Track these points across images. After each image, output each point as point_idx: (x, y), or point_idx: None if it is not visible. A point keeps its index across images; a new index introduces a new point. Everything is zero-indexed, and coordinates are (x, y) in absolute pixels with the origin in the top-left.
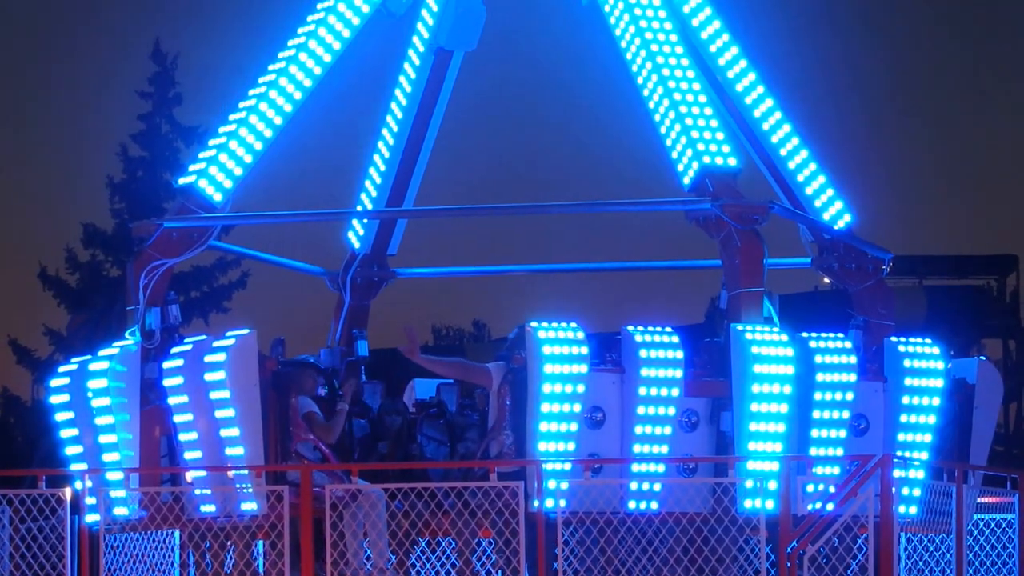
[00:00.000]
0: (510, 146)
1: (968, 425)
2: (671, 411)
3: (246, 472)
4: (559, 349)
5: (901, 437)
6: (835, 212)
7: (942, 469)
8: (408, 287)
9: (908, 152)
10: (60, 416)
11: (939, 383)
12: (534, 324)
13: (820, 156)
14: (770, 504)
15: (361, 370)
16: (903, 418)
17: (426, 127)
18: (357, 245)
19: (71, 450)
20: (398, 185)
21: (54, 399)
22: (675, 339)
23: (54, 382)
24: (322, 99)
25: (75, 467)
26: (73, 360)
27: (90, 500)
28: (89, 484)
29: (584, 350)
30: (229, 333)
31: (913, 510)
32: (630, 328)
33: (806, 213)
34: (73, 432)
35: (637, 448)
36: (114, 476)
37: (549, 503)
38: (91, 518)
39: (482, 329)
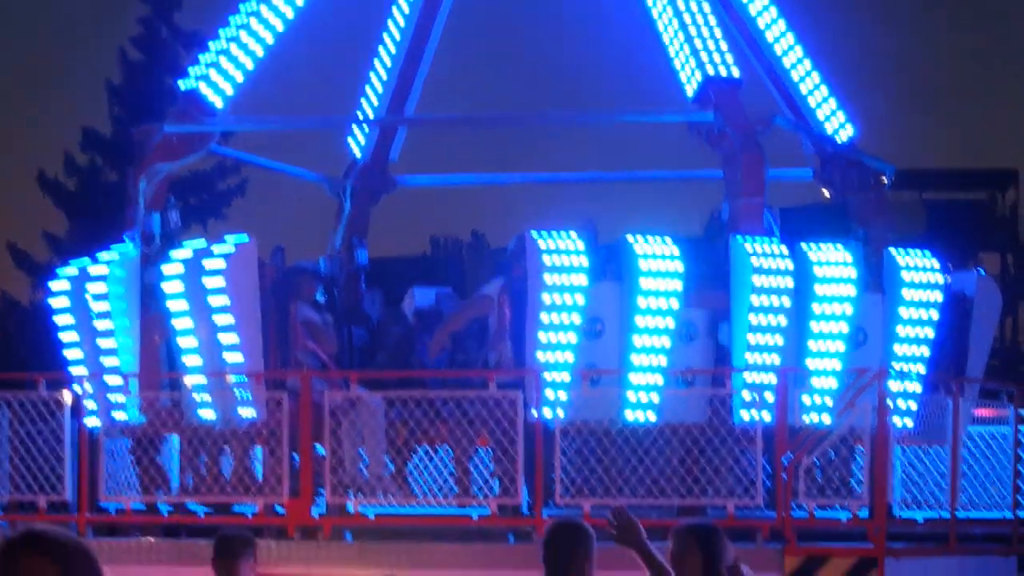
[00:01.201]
0: (513, 55)
1: (965, 338)
2: (670, 322)
3: (245, 379)
4: (559, 259)
5: (898, 350)
6: (837, 124)
7: (938, 382)
8: (407, 196)
9: (911, 66)
10: (60, 320)
11: (937, 296)
12: (534, 234)
13: (823, 67)
14: (767, 416)
15: (361, 278)
16: (900, 331)
17: (428, 33)
18: (358, 152)
19: (71, 354)
20: (399, 92)
21: (54, 302)
22: (675, 250)
23: (53, 285)
24: (324, 5)
25: (75, 371)
26: (72, 264)
27: (90, 404)
28: (89, 389)
29: (584, 260)
30: (229, 239)
31: (909, 423)
32: (630, 238)
33: (808, 125)
34: (73, 336)
35: (635, 359)
36: (113, 380)
37: (547, 413)
38: (91, 422)
39: (480, 240)
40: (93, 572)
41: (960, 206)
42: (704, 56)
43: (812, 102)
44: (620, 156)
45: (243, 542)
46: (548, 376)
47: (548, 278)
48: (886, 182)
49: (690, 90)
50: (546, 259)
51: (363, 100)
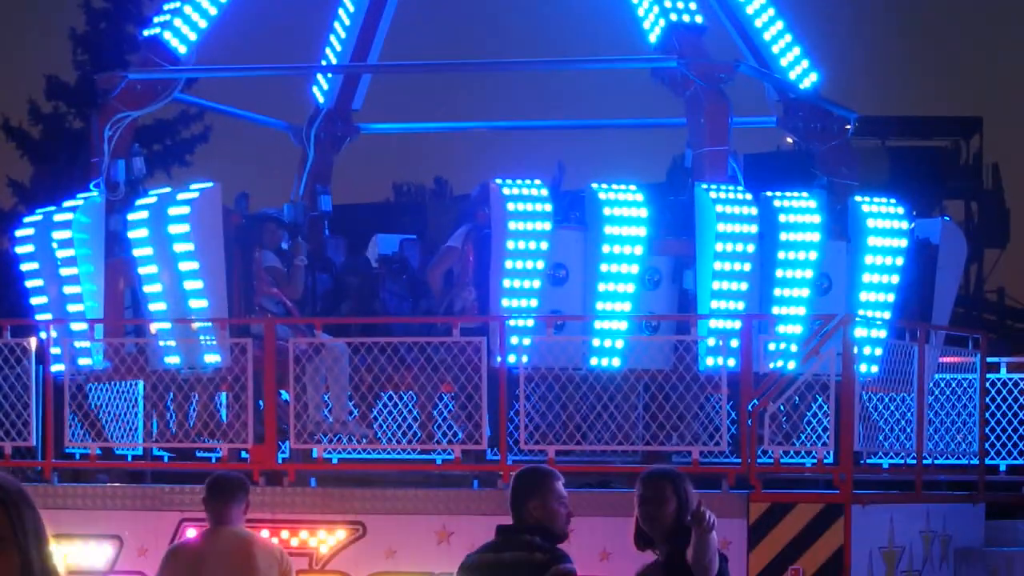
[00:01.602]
0: (474, 1)
1: (931, 285)
2: (634, 269)
3: (210, 324)
4: (523, 206)
5: (863, 297)
6: (801, 71)
7: (904, 329)
8: (370, 143)
9: (875, 11)
10: (25, 267)
11: (902, 243)
12: (498, 181)
13: (787, 14)
14: (732, 362)
15: (324, 225)
16: (866, 277)
17: None
18: (321, 99)
19: (36, 300)
20: (363, 39)
21: (19, 249)
22: (639, 196)
23: (19, 232)
24: None
25: (40, 317)
26: (38, 211)
27: (55, 350)
28: (54, 335)
29: (548, 207)
30: (193, 186)
31: (875, 369)
32: (594, 185)
33: (772, 72)
34: (38, 283)
35: (600, 305)
36: (78, 327)
37: (511, 359)
38: (56, 368)
39: (444, 186)
40: (35, 513)
41: (924, 153)
42: (668, 3)
43: (776, 49)
44: (584, 104)
45: (237, 484)
46: (512, 322)
47: (512, 225)
48: (850, 128)
49: (653, 37)
50: (509, 206)
51: (327, 49)
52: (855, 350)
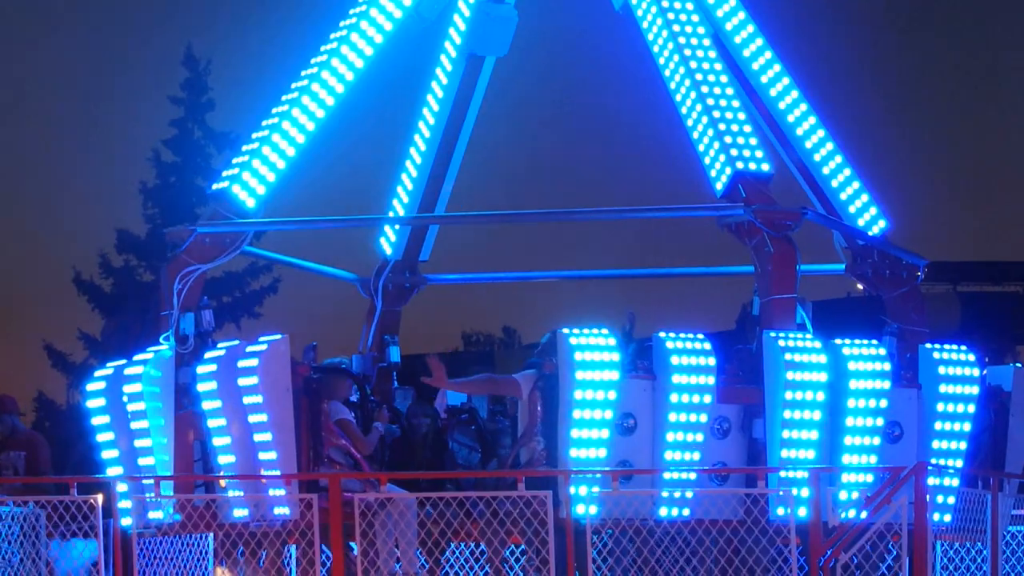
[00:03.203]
0: (540, 151)
1: (1004, 433)
2: (703, 418)
3: (279, 476)
4: (591, 355)
5: (936, 444)
6: (869, 218)
7: (977, 476)
8: (437, 293)
9: (943, 156)
10: (96, 420)
11: (974, 390)
12: (565, 330)
13: (854, 161)
14: (802, 512)
15: (393, 376)
16: (937, 425)
17: (458, 132)
18: (389, 251)
19: (107, 454)
20: (430, 191)
21: (90, 403)
22: (707, 345)
23: (90, 386)
24: (356, 104)
25: (111, 471)
26: (109, 364)
27: (124, 504)
28: (123, 489)
29: (616, 356)
30: (263, 338)
31: (947, 518)
32: (662, 334)
33: (840, 219)
34: (109, 436)
35: (668, 455)
36: (148, 480)
37: (580, 509)
38: (125, 521)
39: (512, 335)
40: None
41: (996, 298)
42: (734, 151)
43: (844, 196)
44: (654, 251)
45: None
46: (580, 473)
47: (579, 374)
48: (920, 275)
49: (720, 185)
50: (577, 355)
51: (395, 200)
52: (928, 499)
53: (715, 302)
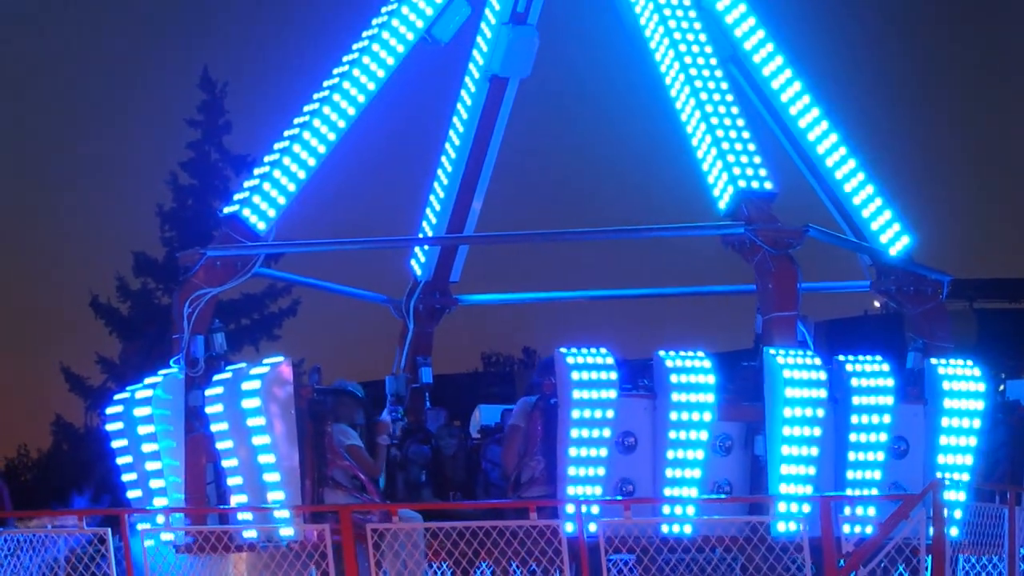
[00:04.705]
0: (544, 171)
1: (1021, 447)
2: (703, 435)
3: (283, 497)
4: (587, 375)
5: (941, 459)
6: (892, 235)
7: (994, 491)
8: (457, 313)
9: (960, 174)
10: (116, 444)
11: (979, 405)
12: (563, 350)
13: (877, 178)
14: (793, 526)
15: (425, 396)
16: (943, 440)
17: (484, 154)
18: (419, 272)
19: (127, 476)
20: (457, 212)
21: (109, 427)
22: (707, 363)
23: (110, 410)
24: (376, 127)
25: (131, 493)
26: (127, 389)
27: (142, 527)
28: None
29: (613, 375)
30: (265, 360)
31: (955, 532)
32: (661, 353)
33: (862, 238)
34: (127, 459)
35: (669, 472)
36: (159, 502)
37: (592, 528)
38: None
39: (532, 356)
40: None
41: (1013, 315)
42: (736, 170)
43: (866, 213)
44: (662, 269)
45: None
46: (580, 491)
47: (576, 393)
48: (943, 291)
49: (723, 204)
50: (574, 375)
51: (424, 222)
52: (945, 513)
53: (734, 320)
